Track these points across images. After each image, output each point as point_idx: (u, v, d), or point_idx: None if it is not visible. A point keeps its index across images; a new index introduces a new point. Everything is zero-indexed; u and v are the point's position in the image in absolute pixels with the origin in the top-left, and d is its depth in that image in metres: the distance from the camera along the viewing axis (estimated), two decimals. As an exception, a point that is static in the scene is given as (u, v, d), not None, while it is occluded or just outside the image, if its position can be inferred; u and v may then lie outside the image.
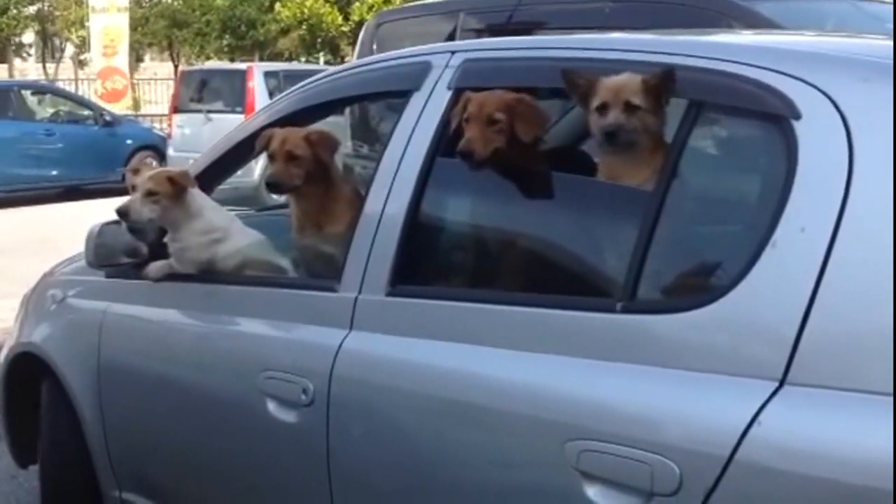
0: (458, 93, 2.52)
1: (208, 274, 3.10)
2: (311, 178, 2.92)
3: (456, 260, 2.60)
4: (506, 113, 2.41)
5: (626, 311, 2.01)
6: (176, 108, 14.58)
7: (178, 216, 3.08)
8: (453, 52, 2.61)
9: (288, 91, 3.17)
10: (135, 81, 33.58)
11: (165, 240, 3.16)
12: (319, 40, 29.59)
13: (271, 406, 2.66)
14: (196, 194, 3.11)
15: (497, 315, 2.24)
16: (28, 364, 3.79)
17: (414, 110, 2.59)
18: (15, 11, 37.15)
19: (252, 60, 26.69)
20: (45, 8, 38.41)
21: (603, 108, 2.24)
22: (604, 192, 2.31)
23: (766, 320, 1.81)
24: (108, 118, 15.80)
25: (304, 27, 29.08)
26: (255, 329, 2.84)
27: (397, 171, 2.54)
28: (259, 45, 32.89)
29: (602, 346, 2.02)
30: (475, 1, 6.66)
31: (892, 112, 1.75)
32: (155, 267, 3.20)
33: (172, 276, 3.16)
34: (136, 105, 29.67)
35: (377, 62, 2.92)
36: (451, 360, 2.29)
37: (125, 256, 3.32)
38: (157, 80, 34.07)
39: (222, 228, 3.10)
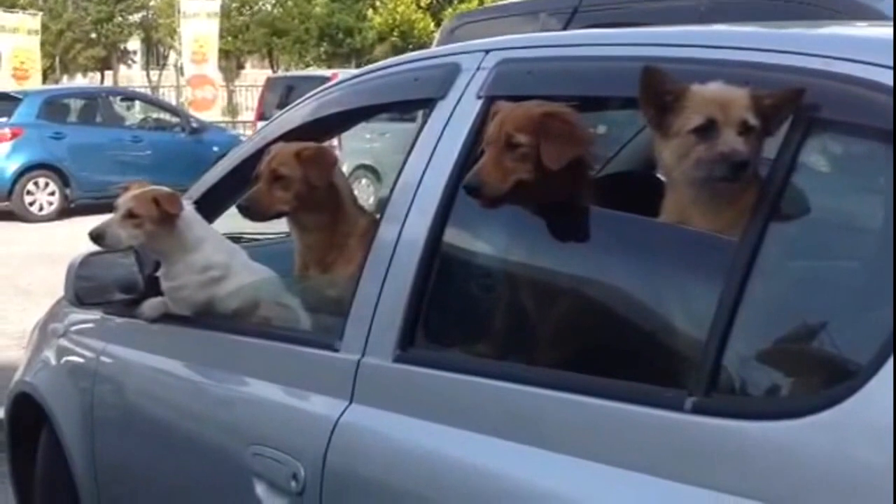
0: (489, 103, 1.96)
1: (206, 317, 2.60)
2: (311, 205, 2.40)
3: (480, 321, 2.02)
4: (531, 134, 1.82)
5: (699, 410, 1.43)
6: (261, 116, 14.34)
7: (169, 247, 2.58)
8: (487, 52, 2.05)
9: (301, 99, 2.65)
10: (233, 88, 33.86)
11: (158, 274, 2.66)
12: (411, 46, 29.29)
13: (259, 489, 2.15)
14: (192, 222, 2.60)
15: (525, 399, 1.69)
16: (28, 406, 3.37)
17: (436, 125, 2.04)
18: (120, 19, 37.91)
19: (349, 67, 26.52)
20: (149, 16, 39.09)
21: (709, 129, 1.62)
22: (674, 239, 1.72)
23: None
24: (194, 125, 15.63)
25: (395, 34, 28.83)
26: (248, 392, 2.34)
27: (412, 202, 2.00)
28: (356, 53, 32.85)
29: (661, 458, 1.45)
30: (557, 1, 6.11)
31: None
32: (149, 305, 2.71)
33: (169, 317, 2.67)
34: (235, 112, 29.84)
35: (401, 64, 2.37)
36: (470, 454, 1.75)
37: (120, 291, 2.84)
38: (257, 86, 34.32)
39: (222, 265, 2.59)
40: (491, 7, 6.91)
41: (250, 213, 2.44)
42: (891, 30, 1.84)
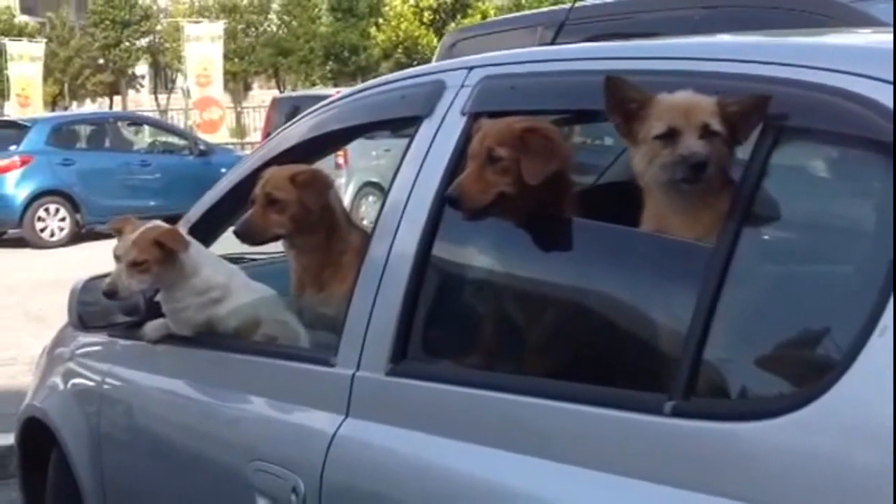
0: (473, 119, 2.00)
1: (207, 336, 2.64)
2: (306, 227, 2.44)
3: (469, 332, 2.06)
4: (511, 147, 1.87)
5: (677, 413, 1.47)
6: (268, 136, 14.36)
7: (171, 278, 2.62)
8: (470, 69, 2.10)
9: (295, 119, 2.70)
10: (241, 109, 34.06)
11: (157, 298, 2.71)
12: (415, 62, 29.46)
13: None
14: (190, 251, 2.65)
15: (514, 408, 1.72)
16: (38, 429, 3.41)
17: (423, 142, 2.09)
18: (127, 44, 38.20)
19: (355, 85, 26.66)
20: (156, 40, 39.38)
21: (671, 135, 1.67)
22: (653, 247, 1.76)
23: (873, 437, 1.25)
24: (202, 147, 15.73)
25: (399, 50, 28.99)
26: (248, 408, 2.38)
27: (401, 218, 2.04)
28: (361, 70, 33.01)
29: (644, 461, 1.49)
30: (555, 15, 6.15)
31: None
32: (151, 327, 2.76)
33: (171, 338, 2.72)
34: (243, 133, 30.00)
35: (390, 83, 2.42)
36: (462, 462, 1.79)
37: (122, 314, 2.88)
38: (265, 107, 34.47)
39: (221, 286, 2.62)
40: (489, 22, 6.97)
41: (245, 237, 2.48)
42: (871, 37, 1.88)
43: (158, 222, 2.68)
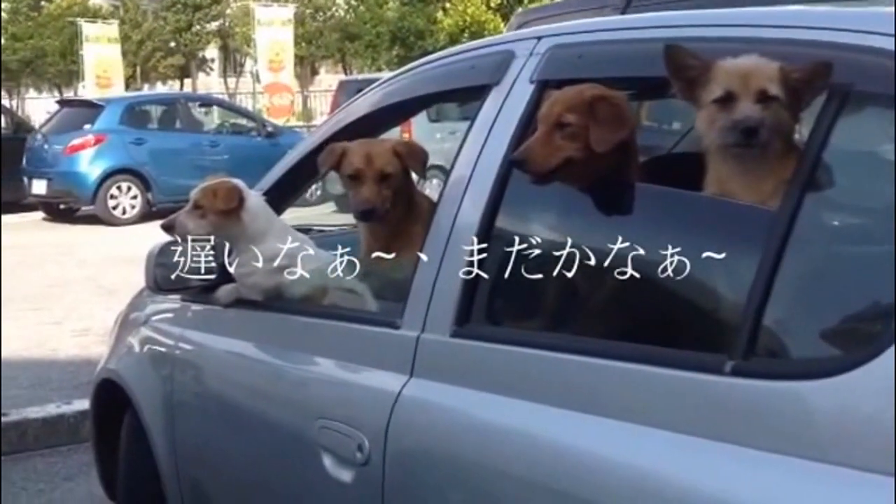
0: (542, 87, 2.04)
1: (276, 301, 2.72)
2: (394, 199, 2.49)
3: (532, 296, 2.10)
4: (580, 114, 1.90)
5: (738, 373, 1.49)
6: (335, 118, 14.51)
7: (235, 235, 2.71)
8: (539, 38, 2.14)
9: (366, 90, 2.75)
10: (307, 93, 34.37)
11: (227, 261, 2.79)
12: (482, 48, 29.35)
13: (327, 461, 2.25)
14: (258, 213, 2.72)
15: (576, 368, 1.76)
16: (112, 392, 3.53)
17: (491, 109, 2.13)
18: (198, 27, 38.73)
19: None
20: (226, 24, 39.85)
21: (728, 99, 1.70)
22: (715, 210, 1.78)
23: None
24: (269, 129, 15.94)
25: (465, 35, 28.95)
26: (315, 369, 2.45)
27: (468, 184, 2.09)
28: (428, 55, 33.00)
29: (704, 419, 1.52)
30: (622, -5, 6.12)
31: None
32: (225, 291, 2.84)
33: (242, 302, 2.80)
34: (309, 116, 30.26)
35: (459, 53, 2.47)
36: (524, 421, 1.83)
37: (196, 279, 2.97)
38: (331, 91, 34.73)
39: (289, 254, 2.70)
40: (558, 3, 6.93)
41: (370, 215, 2.48)
42: None
43: (234, 180, 2.77)
